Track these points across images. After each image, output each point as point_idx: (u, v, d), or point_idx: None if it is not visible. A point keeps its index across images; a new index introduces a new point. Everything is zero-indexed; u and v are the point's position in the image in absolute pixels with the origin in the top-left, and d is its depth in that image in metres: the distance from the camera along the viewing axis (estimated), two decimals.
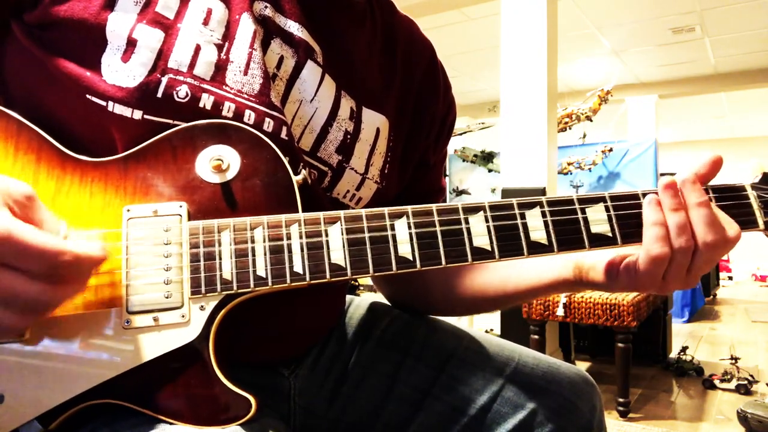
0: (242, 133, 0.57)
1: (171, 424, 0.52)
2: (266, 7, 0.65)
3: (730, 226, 0.60)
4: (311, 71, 0.66)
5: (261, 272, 0.54)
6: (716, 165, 0.61)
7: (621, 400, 2.85)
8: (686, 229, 0.58)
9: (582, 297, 2.89)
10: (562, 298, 2.93)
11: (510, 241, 0.58)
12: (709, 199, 0.61)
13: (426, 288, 0.83)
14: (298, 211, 0.57)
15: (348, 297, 0.89)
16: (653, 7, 5.33)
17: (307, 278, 0.55)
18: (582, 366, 3.72)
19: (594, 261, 0.66)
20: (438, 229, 0.58)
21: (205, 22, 0.60)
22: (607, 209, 0.61)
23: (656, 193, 0.60)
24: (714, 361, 3.89)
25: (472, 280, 0.79)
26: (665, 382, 3.47)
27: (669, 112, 9.37)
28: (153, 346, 0.52)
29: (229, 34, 0.61)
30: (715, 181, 0.63)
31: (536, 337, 3.11)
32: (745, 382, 3.25)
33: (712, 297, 6.89)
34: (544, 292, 0.73)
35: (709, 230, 0.58)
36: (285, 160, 0.58)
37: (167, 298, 0.53)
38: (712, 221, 0.58)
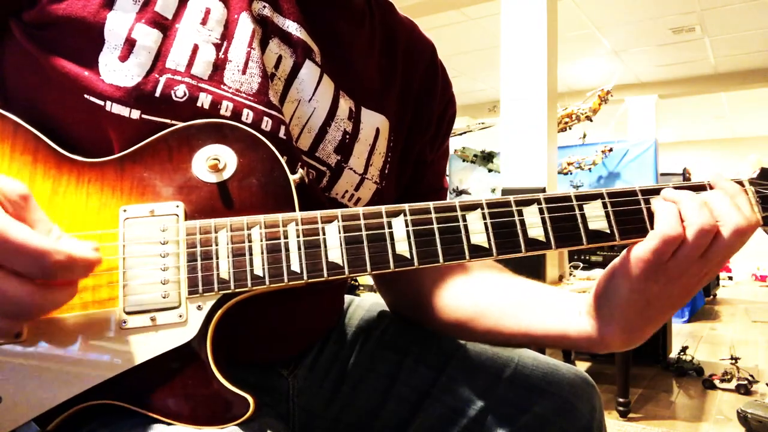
0: (239, 132, 0.57)
1: (169, 424, 0.52)
2: (265, 6, 0.64)
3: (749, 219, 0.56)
4: (310, 71, 0.66)
5: (258, 271, 0.54)
6: None
7: (621, 400, 2.85)
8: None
9: None
10: None
11: (507, 239, 0.58)
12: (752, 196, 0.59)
13: (419, 296, 0.78)
14: (295, 210, 0.57)
15: (348, 297, 0.88)
16: (653, 7, 5.34)
17: (305, 277, 0.54)
18: (582, 366, 3.72)
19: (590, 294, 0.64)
20: (435, 226, 0.57)
21: (204, 22, 0.60)
22: (604, 205, 0.60)
23: (655, 191, 0.59)
24: (714, 361, 3.89)
25: (468, 297, 0.74)
26: (665, 382, 3.47)
27: (669, 112, 9.37)
28: (150, 346, 0.52)
29: (227, 34, 0.61)
30: None
31: None
32: (745, 382, 3.25)
33: (712, 297, 6.89)
34: (552, 342, 0.68)
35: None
36: (282, 159, 0.57)
37: (164, 298, 0.53)
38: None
